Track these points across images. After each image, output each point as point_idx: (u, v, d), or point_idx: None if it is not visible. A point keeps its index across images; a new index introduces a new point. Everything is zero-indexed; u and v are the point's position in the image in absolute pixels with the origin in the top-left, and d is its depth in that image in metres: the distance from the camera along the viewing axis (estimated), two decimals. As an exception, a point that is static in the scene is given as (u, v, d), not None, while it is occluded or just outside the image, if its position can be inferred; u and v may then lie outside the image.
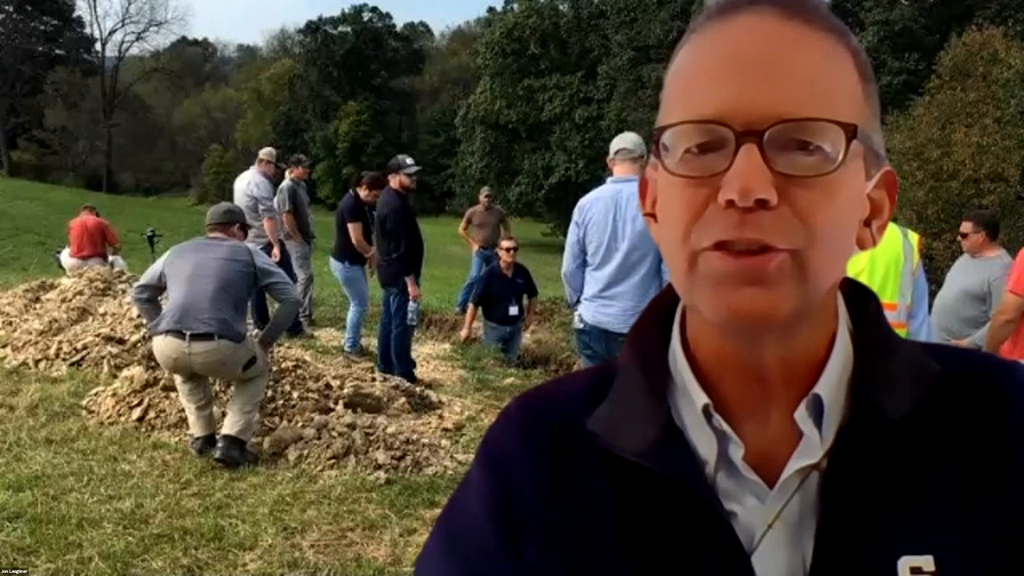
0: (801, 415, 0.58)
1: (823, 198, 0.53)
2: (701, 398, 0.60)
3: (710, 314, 0.55)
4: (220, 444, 4.08)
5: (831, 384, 0.59)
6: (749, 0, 0.56)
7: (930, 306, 4.30)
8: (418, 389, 5.73)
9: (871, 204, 0.60)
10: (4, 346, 6.06)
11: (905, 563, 0.56)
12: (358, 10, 54.38)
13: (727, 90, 0.53)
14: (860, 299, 0.64)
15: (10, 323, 6.61)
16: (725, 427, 0.59)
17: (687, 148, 0.55)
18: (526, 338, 8.66)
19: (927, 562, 0.56)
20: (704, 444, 0.60)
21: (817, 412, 0.59)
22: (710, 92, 0.54)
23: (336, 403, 4.89)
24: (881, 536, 0.57)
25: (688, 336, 0.63)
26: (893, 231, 3.50)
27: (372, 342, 7.20)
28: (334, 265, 7.35)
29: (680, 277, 0.57)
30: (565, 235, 4.45)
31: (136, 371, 4.94)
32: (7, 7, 51.52)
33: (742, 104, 0.52)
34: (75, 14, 55.71)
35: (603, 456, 0.62)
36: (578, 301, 4.21)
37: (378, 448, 4.31)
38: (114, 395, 4.80)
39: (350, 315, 7.24)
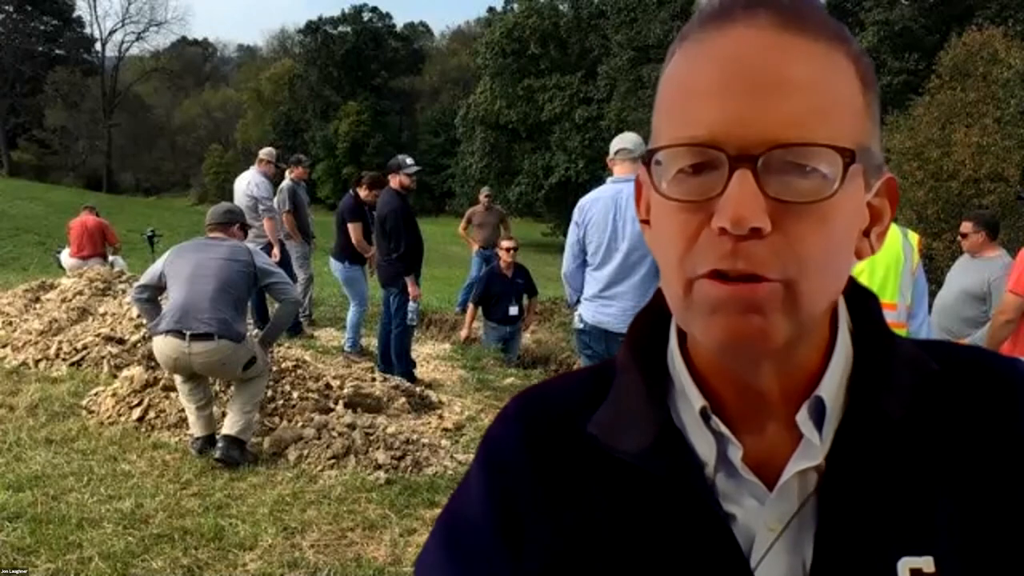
0: (803, 417, 0.58)
1: (818, 225, 0.52)
2: (699, 400, 0.60)
3: (705, 341, 0.55)
4: (220, 444, 4.08)
5: (832, 386, 0.59)
6: (744, 7, 0.54)
7: (930, 306, 4.30)
8: (418, 389, 5.73)
9: (871, 212, 0.59)
10: (4, 346, 6.06)
11: (905, 564, 0.56)
12: (358, 10, 54.38)
13: (721, 110, 0.52)
14: (859, 299, 0.64)
15: (10, 323, 6.61)
16: (723, 429, 0.59)
17: (680, 168, 0.54)
18: (526, 338, 8.66)
19: (927, 563, 0.56)
20: (703, 445, 0.60)
21: (818, 414, 0.58)
22: (703, 111, 0.53)
23: (336, 403, 4.89)
24: (881, 537, 0.56)
25: (687, 340, 0.63)
26: (893, 231, 3.50)
27: (372, 342, 7.20)
28: (334, 265, 7.35)
29: (676, 301, 0.57)
30: (565, 235, 4.45)
31: (136, 371, 4.94)
32: (7, 7, 51.52)
33: (736, 126, 0.51)
34: (75, 14, 55.79)
35: (603, 457, 0.62)
36: (578, 301, 4.21)
37: (378, 448, 4.31)
38: (114, 395, 4.80)
39: (350, 315, 7.24)
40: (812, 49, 0.53)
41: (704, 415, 0.60)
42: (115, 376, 5.23)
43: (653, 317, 0.67)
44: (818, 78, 0.53)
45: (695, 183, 0.53)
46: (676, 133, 0.54)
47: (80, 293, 6.78)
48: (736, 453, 0.59)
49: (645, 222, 0.62)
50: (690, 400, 0.61)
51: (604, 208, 3.99)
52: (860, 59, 0.56)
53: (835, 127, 0.52)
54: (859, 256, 0.59)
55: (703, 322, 0.54)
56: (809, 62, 0.53)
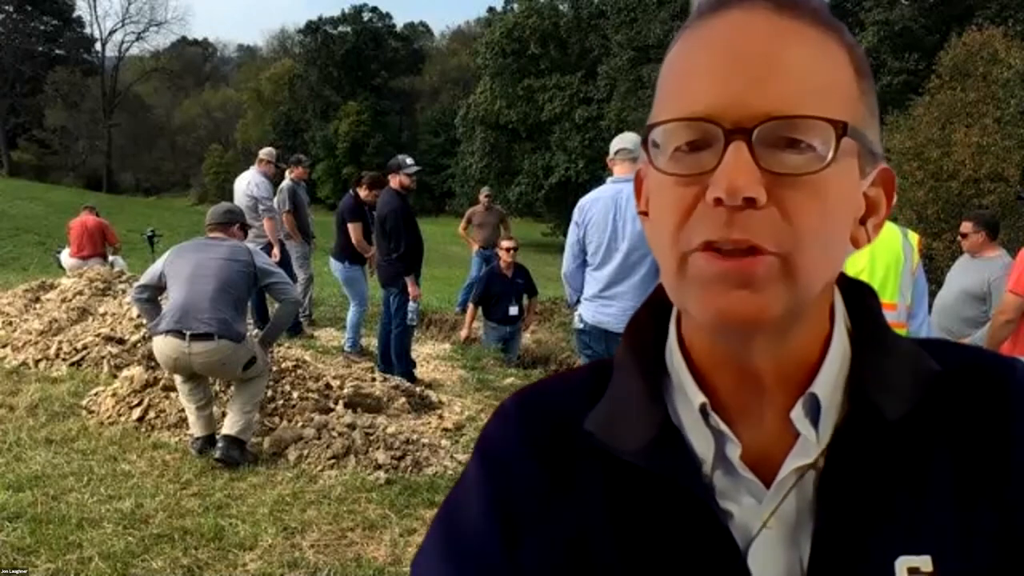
0: (797, 414, 0.58)
1: (812, 198, 0.52)
2: (698, 397, 0.60)
3: (699, 316, 0.55)
4: (220, 444, 4.08)
5: (828, 383, 0.59)
6: None
7: (930, 306, 4.30)
8: (418, 389, 5.73)
9: (867, 202, 0.59)
10: (4, 346, 6.06)
11: (903, 563, 0.56)
12: (358, 10, 54.39)
13: (717, 87, 0.53)
14: (858, 296, 0.64)
15: (10, 323, 6.61)
16: (722, 426, 0.59)
17: (677, 146, 0.55)
18: (526, 338, 8.66)
19: (925, 562, 0.56)
20: (701, 443, 0.60)
21: (814, 411, 0.58)
22: (700, 89, 0.54)
23: (336, 403, 4.89)
24: (878, 536, 0.57)
25: (683, 335, 0.63)
26: (893, 231, 3.50)
27: (372, 342, 7.20)
28: (334, 265, 7.35)
29: (670, 278, 0.57)
30: (565, 235, 4.45)
31: (136, 371, 4.94)
32: (7, 7, 51.53)
33: (731, 101, 0.52)
34: (75, 14, 55.80)
35: (600, 455, 0.62)
36: (578, 301, 4.21)
37: (378, 448, 4.31)
38: (114, 395, 4.80)
39: (350, 315, 7.24)
40: (806, 33, 0.55)
41: (703, 412, 0.60)
42: (115, 376, 5.23)
43: (651, 314, 0.67)
44: (811, 60, 0.54)
45: (691, 159, 0.54)
46: (673, 111, 0.55)
47: (80, 293, 6.78)
48: (734, 451, 0.59)
49: (644, 214, 0.62)
50: (689, 397, 0.61)
51: (604, 208, 3.99)
52: (854, 48, 0.57)
53: (828, 104, 0.53)
54: (856, 244, 0.59)
55: (697, 297, 0.54)
56: (803, 45, 0.54)
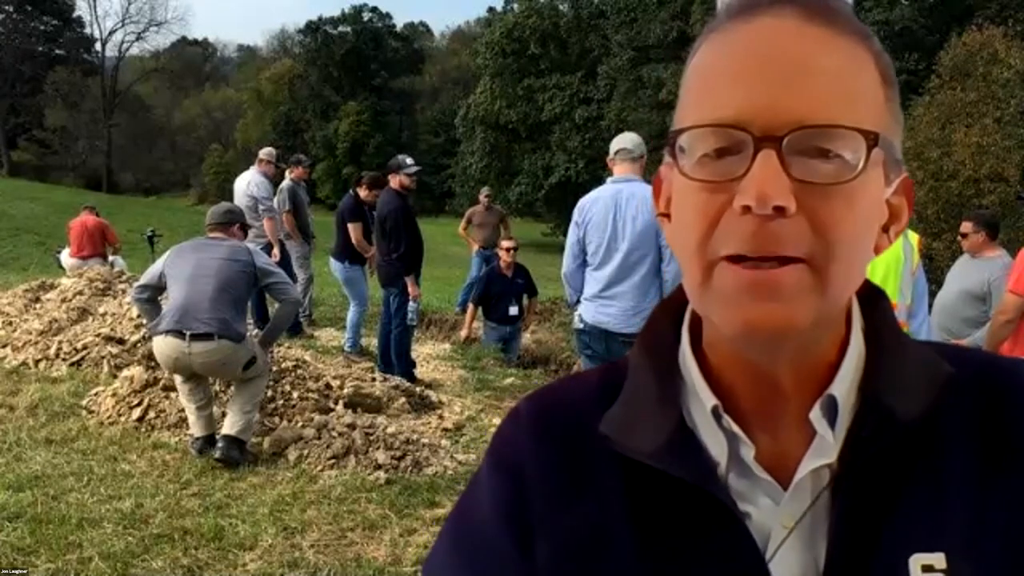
0: (816, 416, 0.58)
1: (842, 207, 0.52)
2: (710, 400, 0.60)
3: (725, 328, 0.55)
4: (220, 444, 4.08)
5: (845, 385, 0.59)
6: (770, 2, 0.55)
7: (930, 306, 4.30)
8: (418, 389, 5.73)
9: (890, 210, 0.59)
10: (4, 346, 6.06)
11: (916, 561, 0.56)
12: (358, 10, 54.43)
13: (747, 93, 0.52)
14: (871, 298, 0.64)
15: (10, 323, 6.61)
16: (735, 428, 0.59)
17: (704, 152, 0.54)
18: (526, 338, 8.66)
19: (938, 559, 0.56)
20: (715, 445, 0.60)
21: (831, 413, 0.58)
22: (729, 95, 0.53)
23: (336, 403, 4.88)
24: (893, 534, 0.57)
25: (701, 338, 0.63)
26: (893, 231, 3.50)
27: (372, 342, 7.20)
28: (334, 265, 7.35)
29: (694, 287, 0.56)
30: (565, 235, 4.45)
31: (136, 371, 4.94)
32: (7, 7, 51.51)
33: (762, 108, 0.52)
34: (75, 14, 55.71)
35: (615, 457, 0.62)
36: (578, 301, 4.21)
37: (378, 448, 4.31)
38: (114, 395, 4.80)
39: (350, 315, 7.24)
40: (835, 41, 0.54)
41: (715, 414, 0.59)
42: (115, 376, 5.23)
43: (666, 317, 0.67)
44: (842, 67, 0.54)
45: (719, 165, 0.53)
46: (701, 117, 0.54)
47: (80, 293, 6.78)
48: (748, 452, 0.59)
49: (664, 216, 0.62)
50: (701, 400, 0.61)
51: (604, 208, 3.99)
52: (880, 56, 0.57)
53: (858, 113, 0.53)
54: (877, 251, 0.59)
55: (722, 309, 0.54)
56: (833, 52, 0.54)
